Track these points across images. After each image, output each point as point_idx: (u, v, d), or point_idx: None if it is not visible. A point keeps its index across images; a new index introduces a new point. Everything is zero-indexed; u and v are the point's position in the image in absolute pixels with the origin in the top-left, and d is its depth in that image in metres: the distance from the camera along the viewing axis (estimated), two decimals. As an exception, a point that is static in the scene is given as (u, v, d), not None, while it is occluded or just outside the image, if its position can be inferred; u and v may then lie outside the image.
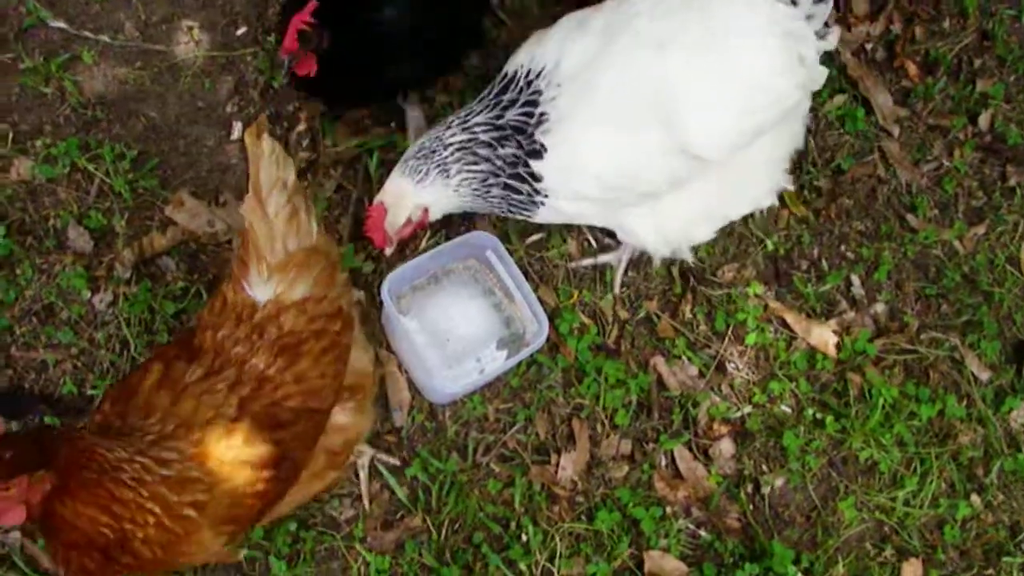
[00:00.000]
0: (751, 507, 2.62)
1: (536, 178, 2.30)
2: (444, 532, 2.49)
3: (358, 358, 2.16)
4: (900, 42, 3.09)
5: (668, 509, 2.58)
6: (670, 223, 2.46)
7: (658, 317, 2.75)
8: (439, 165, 2.31)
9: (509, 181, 2.30)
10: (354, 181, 2.78)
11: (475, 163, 2.29)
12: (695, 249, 2.75)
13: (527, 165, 2.28)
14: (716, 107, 2.21)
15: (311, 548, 2.46)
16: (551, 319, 2.62)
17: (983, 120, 3.03)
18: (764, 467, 2.66)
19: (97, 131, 2.75)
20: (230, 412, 1.87)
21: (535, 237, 2.78)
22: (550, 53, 2.25)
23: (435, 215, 2.43)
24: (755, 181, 2.51)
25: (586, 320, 2.72)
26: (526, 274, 2.65)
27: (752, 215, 2.86)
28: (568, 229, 2.80)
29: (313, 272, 1.94)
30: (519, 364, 2.62)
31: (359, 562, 2.45)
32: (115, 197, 2.69)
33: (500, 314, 2.67)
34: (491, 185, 2.32)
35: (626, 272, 2.76)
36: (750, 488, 2.64)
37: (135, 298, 2.58)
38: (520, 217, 2.44)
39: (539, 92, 2.24)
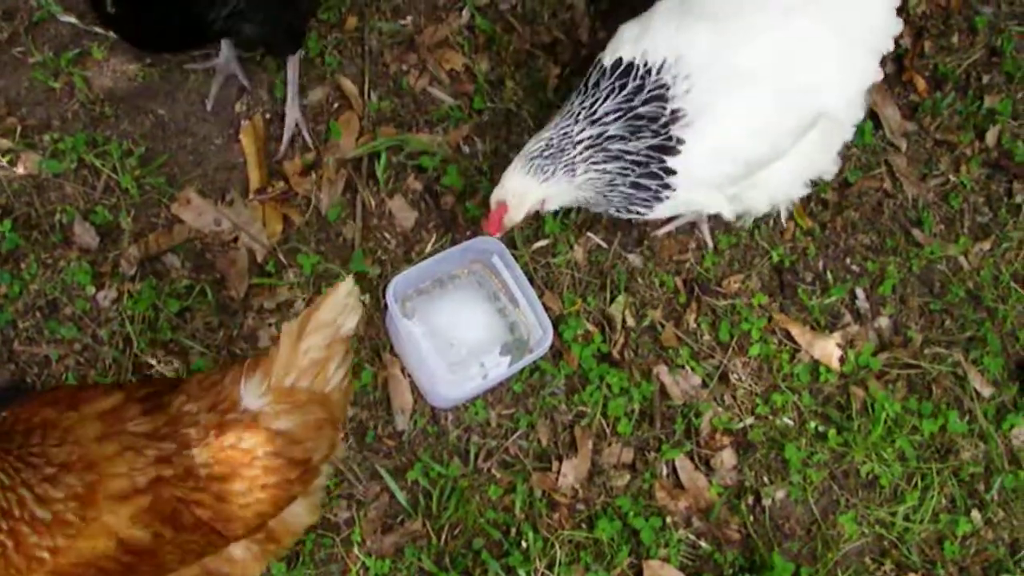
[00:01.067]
0: (752, 519, 2.61)
1: (669, 172, 2.26)
2: (444, 537, 2.49)
3: (297, 514, 2.02)
4: (909, 56, 3.09)
5: (669, 519, 2.58)
6: (779, 189, 2.47)
7: (662, 326, 2.75)
8: (567, 165, 2.27)
9: (639, 180, 2.27)
10: (360, 183, 2.79)
11: (605, 162, 2.25)
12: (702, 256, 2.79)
13: (662, 161, 2.24)
14: (846, 67, 2.26)
15: (310, 550, 2.45)
16: (555, 326, 2.62)
17: (990, 136, 3.03)
18: (765, 479, 2.66)
19: (105, 127, 2.74)
20: (140, 481, 1.75)
21: (541, 243, 2.79)
22: (664, 46, 2.23)
23: (550, 208, 2.40)
24: (833, 142, 2.51)
25: (591, 327, 2.72)
26: (531, 280, 2.65)
27: (757, 226, 2.87)
28: (576, 236, 2.81)
29: (305, 417, 1.86)
30: (522, 370, 2.61)
31: (358, 566, 2.44)
32: (122, 193, 2.68)
33: (504, 319, 2.67)
34: (617, 185, 2.29)
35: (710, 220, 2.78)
36: (751, 500, 2.63)
37: (139, 295, 2.58)
38: (630, 216, 2.40)
39: (666, 86, 2.21)
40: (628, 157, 2.24)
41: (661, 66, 2.20)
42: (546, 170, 2.28)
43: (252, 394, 1.84)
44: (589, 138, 2.25)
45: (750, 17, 2.23)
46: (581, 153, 2.25)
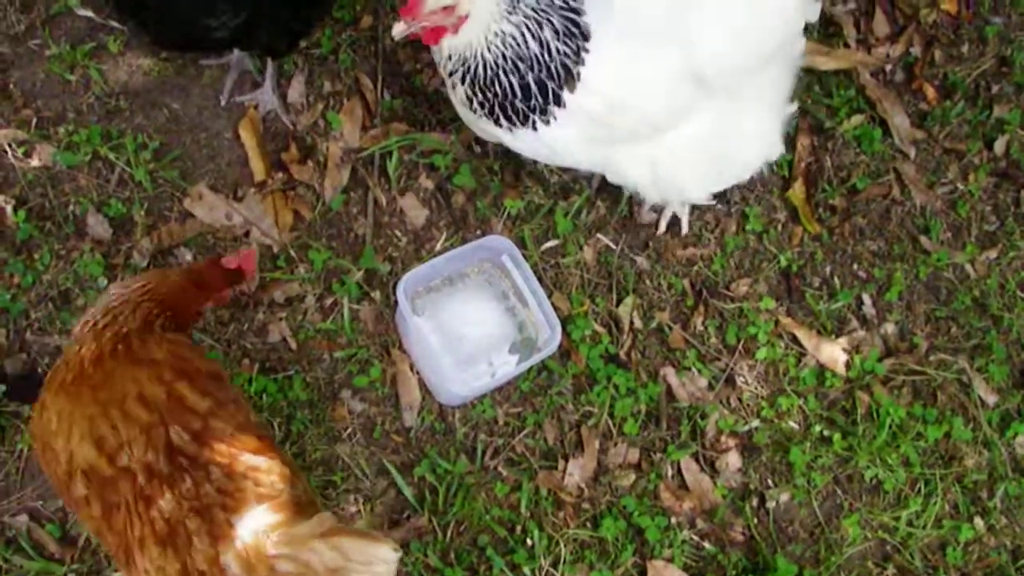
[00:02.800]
0: (755, 521, 2.62)
1: (558, 100, 2.13)
2: (450, 533, 2.49)
3: None
4: (919, 65, 3.09)
5: (673, 519, 2.58)
6: (663, 166, 2.33)
7: (670, 328, 2.75)
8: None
9: (535, 81, 2.09)
10: (372, 180, 2.80)
11: (530, 36, 2.09)
12: (691, 217, 2.76)
13: (558, 83, 2.11)
14: (725, 22, 2.12)
15: (316, 544, 2.46)
16: (564, 326, 2.62)
17: (999, 146, 3.04)
18: (770, 481, 2.66)
19: (120, 120, 2.75)
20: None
21: (551, 243, 2.79)
22: None
23: (459, 35, 2.12)
24: (750, 132, 2.37)
25: (599, 328, 2.72)
26: (540, 280, 2.64)
27: (767, 231, 2.88)
28: (587, 237, 2.81)
29: None
30: (530, 369, 2.61)
31: (364, 560, 2.45)
32: (135, 186, 2.69)
33: (513, 319, 2.68)
34: (516, 70, 2.10)
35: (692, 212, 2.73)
36: (755, 502, 2.64)
37: (151, 288, 2.59)
38: (508, 133, 2.22)
39: (578, 12, 2.11)
40: (545, 55, 2.10)
41: None
42: None
43: (244, 528, 1.77)
44: (541, 3, 2.12)
45: None
46: (527, 8, 2.11)
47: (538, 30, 2.13)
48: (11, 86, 2.75)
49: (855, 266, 2.90)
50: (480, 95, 2.19)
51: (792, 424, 2.71)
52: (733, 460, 2.66)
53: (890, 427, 2.68)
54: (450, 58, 2.19)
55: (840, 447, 2.68)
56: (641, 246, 2.83)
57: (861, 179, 2.96)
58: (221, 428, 1.86)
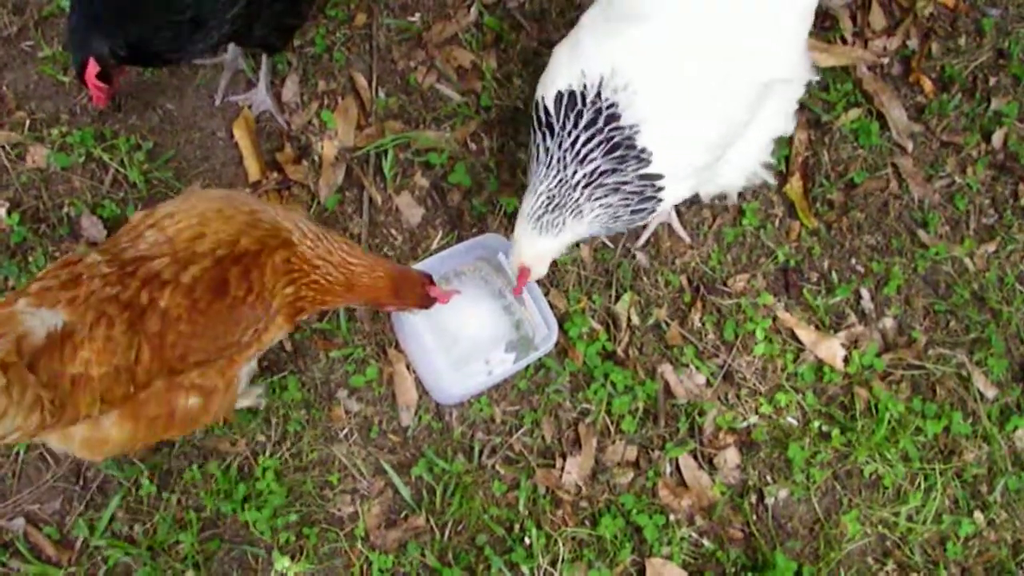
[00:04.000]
0: (754, 518, 2.61)
1: (657, 179, 2.22)
2: (447, 533, 2.49)
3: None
4: (916, 57, 3.09)
5: (671, 517, 2.59)
6: (748, 160, 2.48)
7: (667, 325, 2.75)
8: (573, 210, 2.23)
9: (639, 206, 2.25)
10: (367, 179, 2.79)
11: (606, 196, 2.22)
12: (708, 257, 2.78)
13: (650, 178, 2.21)
14: (782, 29, 2.22)
15: (314, 544, 2.46)
16: (560, 323, 2.63)
17: (996, 138, 3.03)
18: (768, 478, 2.66)
19: (113, 121, 2.75)
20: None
21: None
22: (595, 62, 2.16)
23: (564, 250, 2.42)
24: (789, 103, 2.51)
25: (596, 325, 2.72)
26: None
27: (764, 226, 2.87)
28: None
29: None
30: (527, 367, 2.62)
31: (361, 560, 2.45)
32: (129, 187, 2.69)
33: (510, 317, 2.68)
34: (620, 216, 2.27)
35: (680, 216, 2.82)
36: (754, 499, 2.64)
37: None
38: (640, 223, 2.38)
39: (615, 104, 2.15)
40: (625, 188, 2.21)
41: (600, 83, 2.14)
42: (556, 223, 2.25)
43: None
44: (584, 176, 2.20)
45: (672, 6, 2.16)
46: (582, 193, 2.21)
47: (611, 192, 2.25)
48: (4, 88, 2.75)
49: (853, 260, 2.90)
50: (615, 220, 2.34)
51: (791, 420, 2.70)
52: (731, 457, 2.65)
53: (889, 422, 2.68)
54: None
55: (839, 442, 2.68)
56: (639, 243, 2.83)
57: (859, 173, 2.96)
58: None
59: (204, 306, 1.95)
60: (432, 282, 2.33)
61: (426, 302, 2.32)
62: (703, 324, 2.76)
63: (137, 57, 2.35)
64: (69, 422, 1.93)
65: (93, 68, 2.26)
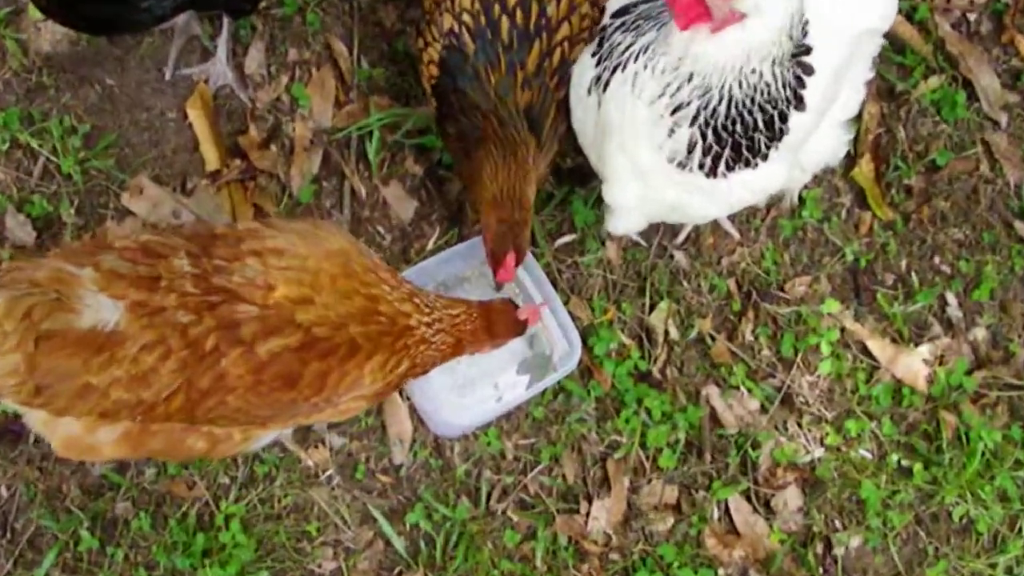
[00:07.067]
0: (821, 571, 2.50)
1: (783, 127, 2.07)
2: (450, 593, 2.38)
3: None
4: (1010, 12, 2.89)
5: (721, 571, 2.48)
6: (830, 139, 2.32)
7: (712, 339, 2.62)
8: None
9: (786, 79, 2.02)
10: (348, 167, 2.64)
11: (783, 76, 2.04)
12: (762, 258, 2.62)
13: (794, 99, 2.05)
14: None
15: (288, 609, 2.40)
16: (584, 339, 2.52)
17: (1107, 109, 2.88)
18: (837, 523, 2.54)
19: (43, 100, 2.62)
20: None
21: (566, 239, 2.64)
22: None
23: (717, 47, 2.00)
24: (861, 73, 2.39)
25: (627, 340, 2.59)
26: (555, 283, 2.55)
27: (828, 218, 2.72)
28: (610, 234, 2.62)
29: None
30: (544, 392, 2.52)
31: (345, 627, 2.38)
32: (63, 180, 2.57)
33: (523, 331, 2.52)
34: (773, 104, 2.04)
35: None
36: (820, 548, 2.53)
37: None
38: (707, 182, 2.13)
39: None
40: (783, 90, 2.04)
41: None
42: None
43: None
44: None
45: None
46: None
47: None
48: (-90, 62, 2.68)
49: (936, 259, 2.75)
50: (713, 136, 2.04)
51: (863, 453, 2.58)
52: (792, 498, 2.53)
53: (983, 454, 2.56)
54: (678, 88, 1.99)
55: (922, 480, 2.56)
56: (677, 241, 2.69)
57: (942, 153, 2.79)
58: None
59: (265, 391, 1.90)
60: (515, 305, 2.26)
61: (520, 328, 2.24)
62: (756, 338, 2.63)
63: (65, 16, 2.25)
64: (55, 413, 1.89)
65: None
